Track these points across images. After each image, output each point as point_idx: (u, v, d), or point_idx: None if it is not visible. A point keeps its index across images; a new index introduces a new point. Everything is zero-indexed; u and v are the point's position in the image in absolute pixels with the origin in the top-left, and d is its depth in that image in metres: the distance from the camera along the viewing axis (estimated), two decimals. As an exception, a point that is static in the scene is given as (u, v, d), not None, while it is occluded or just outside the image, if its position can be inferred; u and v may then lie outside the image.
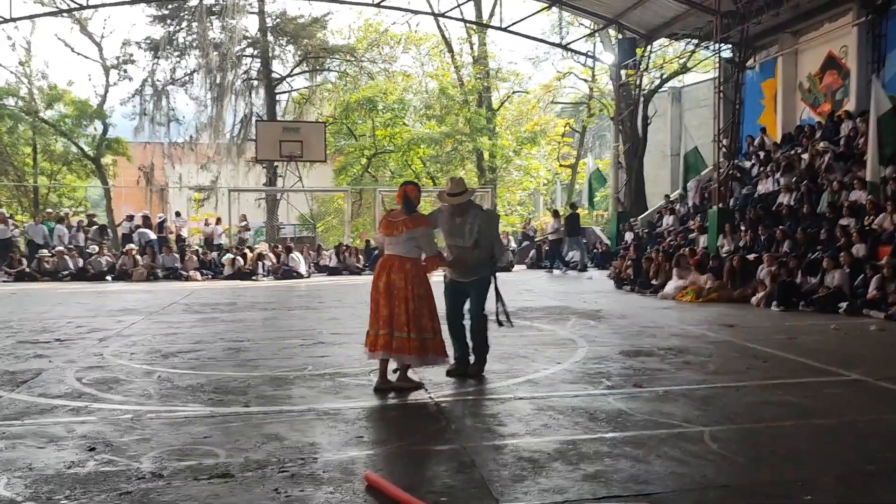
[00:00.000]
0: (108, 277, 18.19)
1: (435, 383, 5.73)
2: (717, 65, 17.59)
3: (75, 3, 21.52)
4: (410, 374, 5.64)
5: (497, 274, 6.09)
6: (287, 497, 3.43)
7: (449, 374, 5.94)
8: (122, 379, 6.01)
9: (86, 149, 30.23)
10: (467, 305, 6.05)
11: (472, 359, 6.07)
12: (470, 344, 6.04)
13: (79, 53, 31.89)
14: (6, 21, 20.38)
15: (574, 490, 3.49)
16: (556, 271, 19.26)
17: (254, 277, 18.40)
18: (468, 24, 29.95)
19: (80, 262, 18.81)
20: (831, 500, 3.35)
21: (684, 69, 24.89)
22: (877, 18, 16.65)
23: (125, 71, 28.91)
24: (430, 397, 5.35)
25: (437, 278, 5.80)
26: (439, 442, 4.29)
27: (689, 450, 4.08)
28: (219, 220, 23.02)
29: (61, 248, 19.14)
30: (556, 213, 21.30)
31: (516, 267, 21.85)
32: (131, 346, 7.65)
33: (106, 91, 29.80)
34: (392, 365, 5.56)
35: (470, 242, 5.84)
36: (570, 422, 4.68)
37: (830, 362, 6.59)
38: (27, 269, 18.18)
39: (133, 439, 4.33)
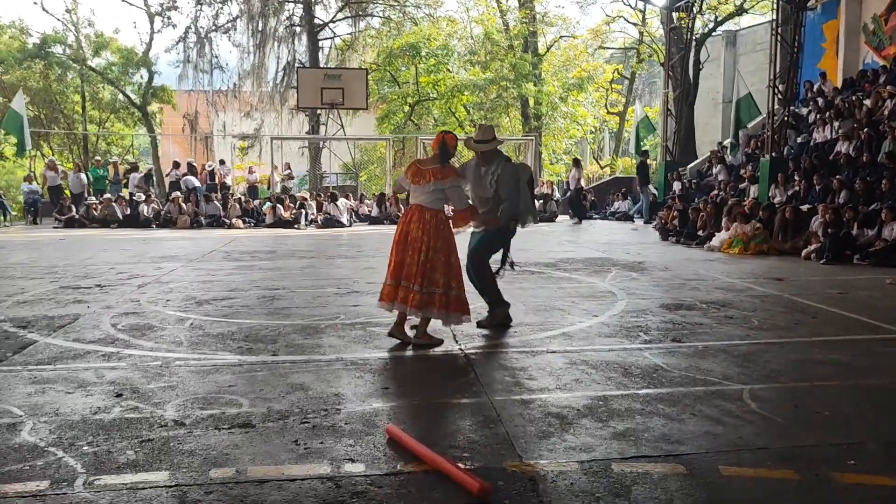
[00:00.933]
0: (154, 224, 18.45)
1: (466, 334, 5.61)
2: (776, 5, 16.70)
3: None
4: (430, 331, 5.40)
5: (515, 229, 5.83)
6: (306, 449, 3.36)
7: (479, 324, 5.83)
8: (156, 325, 6.03)
9: (132, 97, 30.55)
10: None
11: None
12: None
13: (124, 0, 31.96)
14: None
15: (601, 448, 3.35)
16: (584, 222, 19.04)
17: (296, 226, 18.47)
18: (515, -34, 29.06)
19: (128, 210, 19.13)
20: (877, 468, 3.14)
21: (740, 11, 23.82)
22: (950, -47, 15.55)
23: (169, 18, 28.99)
24: (461, 349, 5.23)
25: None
26: (466, 395, 4.18)
27: (726, 408, 3.90)
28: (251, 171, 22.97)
29: (109, 195, 19.45)
30: (577, 163, 20.96)
31: (560, 217, 21.53)
32: (168, 293, 7.69)
33: (151, 38, 30.02)
34: (414, 320, 5.38)
35: (490, 193, 5.61)
36: (602, 377, 4.52)
37: (884, 319, 6.27)
38: (76, 216, 18.54)
39: (160, 386, 4.32)
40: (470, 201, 5.56)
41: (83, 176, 20.26)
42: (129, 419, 3.75)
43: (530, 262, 10.20)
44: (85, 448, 3.38)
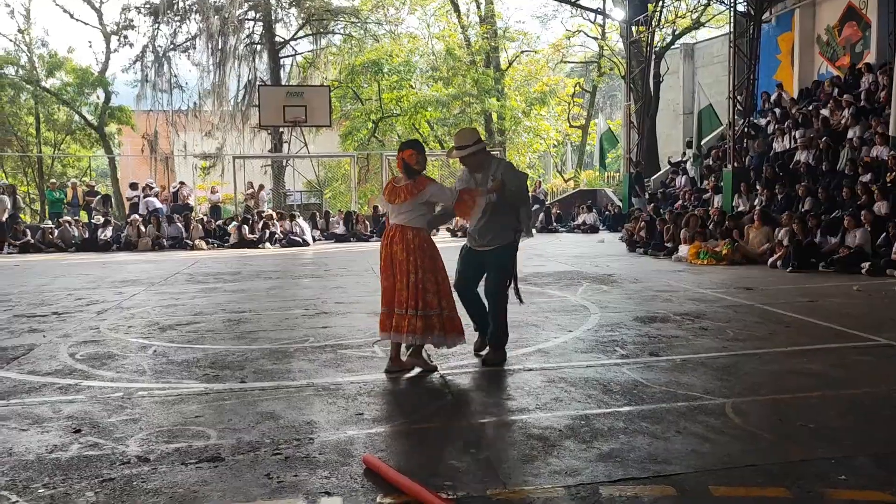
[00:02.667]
0: (114, 248, 18.01)
1: (441, 355, 5.46)
2: (732, 19, 16.97)
3: (72, -33, 21.01)
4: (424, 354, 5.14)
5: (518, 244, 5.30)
6: (279, 483, 3.19)
7: (476, 352, 5.42)
8: (116, 354, 5.79)
9: (89, 117, 29.93)
10: (482, 284, 5.35)
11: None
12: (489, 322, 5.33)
13: (78, 20, 31.53)
14: (2, -13, 19.90)
15: (587, 472, 3.23)
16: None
17: (260, 245, 18.17)
18: (474, -18, 29.21)
19: (86, 233, 18.64)
20: (869, 482, 3.07)
21: (697, 24, 24.20)
22: (899, -34, 15.98)
23: (125, 37, 28.45)
24: (437, 370, 5.09)
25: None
26: (444, 419, 4.04)
27: (710, 424, 3.81)
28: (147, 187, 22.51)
29: (68, 218, 18.95)
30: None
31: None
32: (129, 319, 7.43)
33: (107, 58, 29.48)
34: (404, 346, 5.06)
35: (494, 197, 5.04)
36: (582, 395, 4.41)
37: (857, 326, 6.28)
38: (31, 241, 18.02)
39: (121, 420, 4.10)
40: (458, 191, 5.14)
41: (5, 199, 19.14)
42: (88, 457, 3.53)
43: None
44: (41, 491, 3.17)
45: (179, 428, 3.94)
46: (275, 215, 19.71)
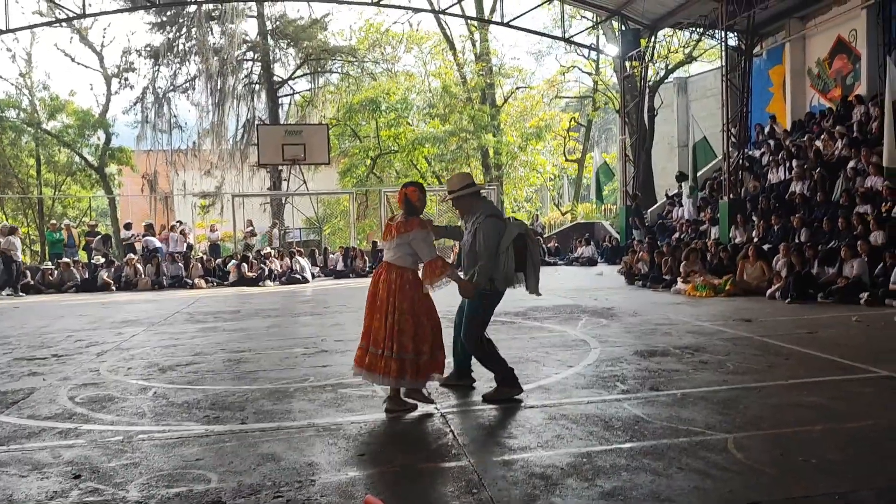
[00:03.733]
0: (113, 288, 18.01)
1: (441, 392, 5.47)
2: (723, 53, 17.23)
3: (73, 12, 21.36)
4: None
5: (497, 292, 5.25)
6: (281, 526, 3.18)
7: (441, 384, 5.50)
8: (116, 396, 5.77)
9: (89, 158, 30.15)
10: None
11: (469, 374, 5.64)
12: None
13: (79, 63, 31.87)
14: (3, 32, 20.21)
15: (590, 511, 3.22)
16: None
17: (260, 283, 18.19)
18: (469, 21, 29.68)
19: (86, 274, 18.66)
20: (872, 517, 3.06)
21: (690, 59, 24.54)
22: (887, 0, 16.25)
23: (126, 79, 28.82)
24: (436, 408, 5.08)
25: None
26: (445, 458, 4.03)
27: (712, 460, 3.81)
28: (173, 228, 22.63)
29: (67, 260, 18.98)
30: None
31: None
32: (129, 361, 7.42)
33: (108, 100, 29.77)
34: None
35: (468, 247, 5.17)
36: (584, 431, 4.41)
37: (857, 358, 6.28)
38: (31, 282, 18.03)
39: (121, 464, 4.09)
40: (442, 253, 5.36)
41: (16, 240, 19.10)
42: (88, 503, 3.52)
43: (499, 312, 10.08)
44: (41, 538, 3.15)
45: (180, 472, 3.93)
46: (273, 253, 19.77)
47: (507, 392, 5.22)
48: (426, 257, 4.93)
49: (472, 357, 5.49)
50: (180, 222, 23.07)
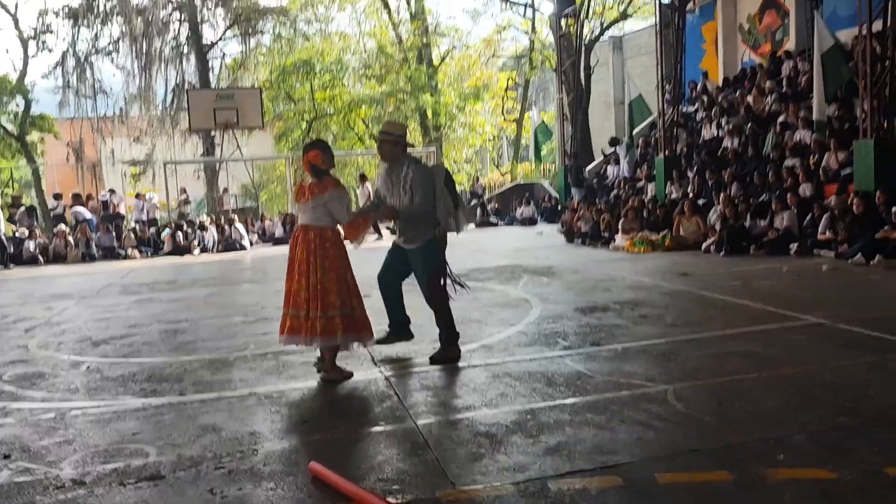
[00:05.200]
0: (41, 261, 17.33)
1: (385, 357, 5.43)
2: (657, 10, 17.34)
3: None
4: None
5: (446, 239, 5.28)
6: (223, 498, 3.11)
7: (378, 342, 5.30)
8: (47, 373, 5.56)
9: (8, 127, 28.72)
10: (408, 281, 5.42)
11: (407, 329, 5.56)
12: (407, 315, 5.54)
13: (-7, 26, 30.24)
14: None
15: (535, 467, 3.24)
16: None
17: (192, 252, 17.76)
18: (404, -21, 29.12)
19: (11, 248, 17.89)
20: (806, 461, 3.16)
21: (624, 16, 24.64)
22: (814, -44, 16.54)
23: (44, 42, 27.47)
24: (380, 372, 5.05)
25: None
26: (390, 421, 4.00)
27: (653, 412, 3.87)
28: (139, 196, 22.08)
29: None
30: (363, 178, 21.27)
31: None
32: (60, 335, 7.15)
33: (25, 64, 28.35)
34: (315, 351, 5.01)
35: (406, 200, 5.12)
36: (527, 389, 4.43)
37: (788, 307, 6.48)
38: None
39: (54, 442, 3.94)
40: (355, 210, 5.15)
41: None
42: (19, 483, 3.38)
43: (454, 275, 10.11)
44: (-32, 523, 3.01)
45: (116, 447, 3.80)
46: (209, 220, 19.30)
47: (452, 352, 5.23)
48: (344, 218, 4.88)
49: (404, 310, 5.54)
50: (112, 191, 22.28)
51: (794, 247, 10.35)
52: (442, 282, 5.28)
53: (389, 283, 5.46)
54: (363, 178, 21.56)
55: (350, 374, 4.95)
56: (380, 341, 5.39)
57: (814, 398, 3.98)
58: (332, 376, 4.88)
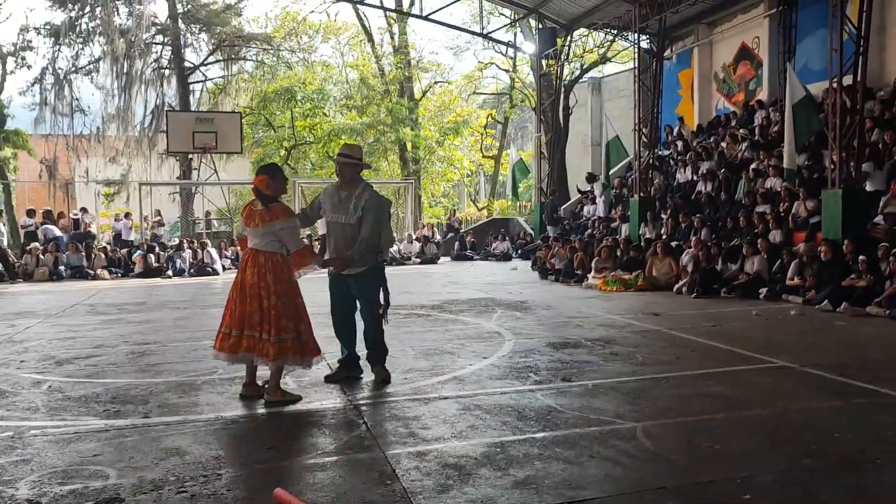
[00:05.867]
0: (6, 278, 17.00)
1: (355, 385, 5.38)
2: (636, 55, 17.72)
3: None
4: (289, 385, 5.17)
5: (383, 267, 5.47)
6: (184, 523, 3.04)
7: (327, 379, 5.47)
8: (7, 391, 5.42)
9: (-19, 141, 28.34)
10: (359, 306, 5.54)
11: (362, 362, 5.61)
12: (365, 347, 5.56)
13: (-28, 40, 29.83)
14: None
15: (503, 499, 3.22)
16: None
17: (166, 274, 17.56)
18: (388, 13, 29.50)
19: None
20: (772, 501, 3.17)
21: (604, 59, 25.10)
22: (787, 10, 17.05)
23: (23, 58, 27.20)
24: (349, 400, 5.00)
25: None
26: (358, 450, 3.95)
27: (622, 448, 3.87)
28: (128, 215, 21.92)
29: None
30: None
31: (441, 259, 21.63)
32: (22, 353, 7.00)
33: (2, 80, 27.98)
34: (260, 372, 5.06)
35: (354, 220, 5.22)
36: (497, 422, 4.41)
37: (757, 349, 6.55)
38: (-85, 271, 16.82)
39: (11, 461, 3.83)
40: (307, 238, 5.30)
41: None
42: (-28, 502, 3.28)
43: (415, 305, 10.10)
44: (-83, 541, 2.91)
45: (75, 468, 3.71)
46: (184, 243, 19.11)
47: (385, 372, 5.51)
48: (294, 246, 4.99)
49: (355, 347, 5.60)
50: (84, 210, 22.02)
51: (763, 291, 10.49)
52: (381, 310, 5.42)
53: (343, 319, 5.56)
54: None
55: (298, 398, 4.98)
56: (329, 378, 5.50)
57: (780, 439, 4.01)
58: (276, 398, 4.89)
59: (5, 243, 16.79)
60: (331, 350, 5.68)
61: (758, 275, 10.86)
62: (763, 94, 18.16)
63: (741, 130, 16.72)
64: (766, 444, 3.94)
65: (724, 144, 16.89)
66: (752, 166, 14.86)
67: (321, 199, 5.48)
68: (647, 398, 4.93)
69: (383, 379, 5.45)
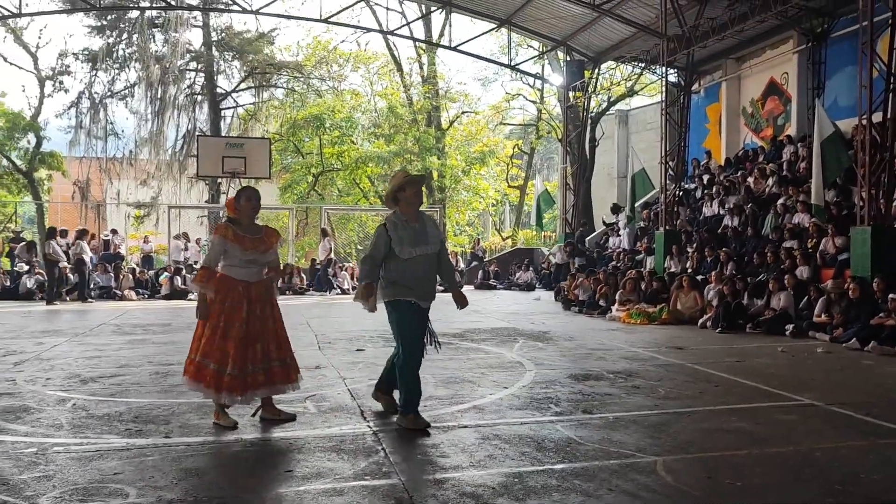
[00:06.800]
0: (38, 297, 17.30)
1: (375, 411, 5.39)
2: (663, 88, 17.75)
3: (8, 10, 20.67)
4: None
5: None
6: (201, 543, 3.05)
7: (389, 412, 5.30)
8: (33, 407, 5.51)
9: (18, 162, 29.01)
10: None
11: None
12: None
13: (12, 63, 30.72)
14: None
15: (520, 531, 3.19)
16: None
17: (190, 297, 17.74)
18: (417, 43, 29.87)
19: (8, 282, 17.91)
20: (794, 539, 3.12)
21: (631, 92, 25.17)
22: (816, 46, 17.04)
23: (61, 83, 27.94)
24: (369, 426, 5.00)
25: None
26: (376, 476, 3.95)
27: (642, 482, 3.83)
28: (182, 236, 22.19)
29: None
30: (324, 233, 21.26)
31: (465, 287, 21.61)
32: (48, 371, 7.11)
33: (40, 103, 28.73)
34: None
35: (437, 248, 5.03)
36: (516, 452, 4.39)
37: (782, 386, 6.45)
38: (-51, 288, 17.19)
39: (33, 476, 3.88)
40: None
41: None
42: (-5, 516, 3.32)
43: (437, 333, 10.08)
44: (-60, 553, 2.95)
45: (96, 486, 3.75)
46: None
47: (412, 421, 4.97)
48: (203, 261, 5.22)
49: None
50: (115, 231, 22.39)
51: (789, 328, 10.34)
52: (419, 343, 5.14)
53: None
54: (324, 232, 21.59)
55: (293, 416, 5.16)
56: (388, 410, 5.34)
57: (804, 478, 3.94)
58: (275, 417, 5.09)
59: (63, 263, 17.06)
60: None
61: (784, 311, 10.72)
62: (791, 130, 18.08)
63: (769, 165, 16.62)
64: (789, 481, 3.88)
65: (751, 179, 16.79)
66: (780, 201, 14.75)
67: (390, 237, 4.91)
68: (668, 432, 4.87)
69: (405, 427, 4.95)
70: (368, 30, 25.69)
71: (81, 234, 20.32)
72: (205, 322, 4.95)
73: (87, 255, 17.55)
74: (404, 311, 4.99)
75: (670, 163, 17.14)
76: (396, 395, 5.20)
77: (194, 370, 4.92)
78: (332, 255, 20.09)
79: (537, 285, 21.34)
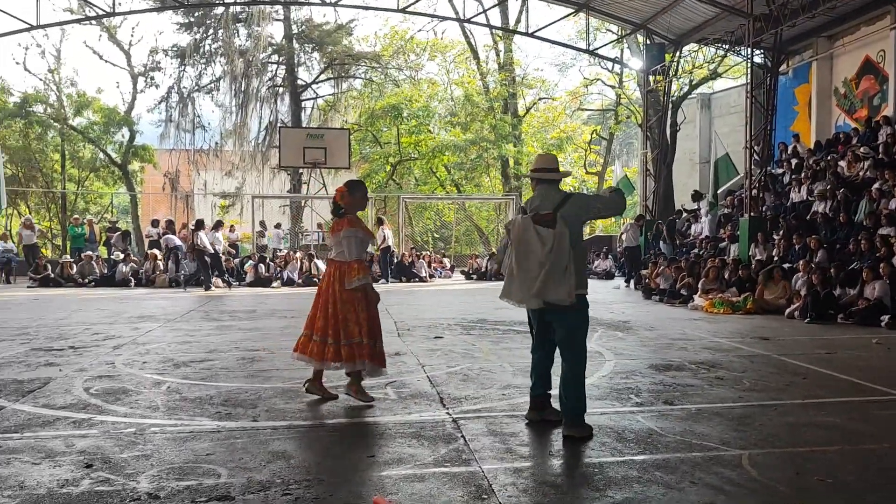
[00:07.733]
0: (132, 284, 18.15)
1: (454, 398, 5.45)
2: (749, 70, 17.12)
3: (103, 10, 21.64)
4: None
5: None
6: (289, 524, 3.17)
7: (528, 420, 4.78)
8: (131, 389, 5.80)
9: (113, 155, 30.48)
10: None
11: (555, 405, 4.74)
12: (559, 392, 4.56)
13: (107, 61, 32.31)
14: (34, 28, 20.51)
15: (601, 521, 3.19)
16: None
17: (274, 284, 18.26)
18: (494, 31, 29.74)
19: (105, 269, 18.85)
20: (889, 539, 3.01)
21: (714, 75, 24.41)
22: (916, 21, 16.12)
23: (152, 78, 29.21)
24: (448, 413, 5.07)
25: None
26: (455, 463, 4.00)
27: (726, 476, 3.76)
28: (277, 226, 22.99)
29: (89, 253, 19.18)
30: (380, 221, 20.81)
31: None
32: (144, 355, 7.47)
33: (133, 98, 30.12)
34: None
35: (544, 257, 4.37)
36: (596, 442, 4.37)
37: (876, 380, 6.19)
38: (52, 275, 18.22)
39: (133, 455, 4.10)
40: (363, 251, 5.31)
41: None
42: (99, 492, 3.53)
43: (515, 321, 10.08)
44: (51, 525, 3.16)
45: (190, 465, 3.93)
46: (293, 255, 19.85)
47: (582, 429, 4.52)
48: (349, 255, 5.24)
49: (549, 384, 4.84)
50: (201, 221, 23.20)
51: (885, 319, 9.88)
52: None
53: (537, 355, 4.92)
54: (380, 221, 21.67)
55: (371, 399, 5.31)
56: (528, 419, 4.82)
57: (899, 476, 3.79)
58: (359, 398, 5.28)
59: (220, 249, 17.91)
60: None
61: (879, 301, 10.25)
62: (889, 110, 17.16)
63: (863, 148, 15.85)
64: (881, 481, 3.73)
65: (843, 163, 16.05)
66: (875, 186, 14.06)
67: (511, 233, 4.67)
68: (753, 425, 4.75)
69: (573, 435, 4.47)
70: (445, 18, 25.76)
71: (169, 225, 21.21)
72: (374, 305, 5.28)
73: (220, 245, 18.22)
74: (587, 308, 4.81)
75: (755, 147, 16.55)
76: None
77: (369, 352, 5.20)
78: (389, 243, 20.19)
79: (616, 273, 21.04)
